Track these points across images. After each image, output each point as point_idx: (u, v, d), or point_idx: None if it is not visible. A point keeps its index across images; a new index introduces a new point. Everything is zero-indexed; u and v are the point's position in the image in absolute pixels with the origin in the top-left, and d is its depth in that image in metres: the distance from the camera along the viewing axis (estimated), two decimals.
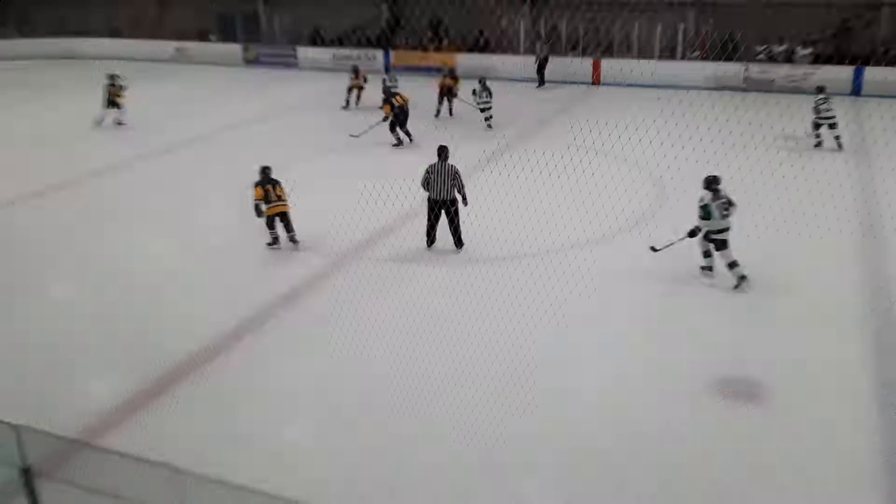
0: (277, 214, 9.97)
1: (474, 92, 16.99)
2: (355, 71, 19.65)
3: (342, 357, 7.42)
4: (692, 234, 8.87)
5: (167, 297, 8.77)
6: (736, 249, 9.34)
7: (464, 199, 9.80)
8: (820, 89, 14.91)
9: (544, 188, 12.02)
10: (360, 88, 19.43)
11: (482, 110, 16.90)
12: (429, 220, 9.82)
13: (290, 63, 26.62)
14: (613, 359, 7.22)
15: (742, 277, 8.68)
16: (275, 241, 10.12)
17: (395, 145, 15.52)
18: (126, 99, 17.56)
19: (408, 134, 15.65)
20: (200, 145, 15.91)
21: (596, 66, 22.60)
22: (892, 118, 16.33)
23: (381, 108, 15.80)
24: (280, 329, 8.06)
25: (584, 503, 5.44)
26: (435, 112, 18.16)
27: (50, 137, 15.85)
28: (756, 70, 21.08)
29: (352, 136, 15.94)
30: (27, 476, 4.58)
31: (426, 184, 9.67)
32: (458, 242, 9.94)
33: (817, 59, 21.02)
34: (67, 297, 9.22)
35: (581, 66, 22.82)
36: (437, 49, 25.09)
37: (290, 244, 10.12)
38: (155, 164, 14.23)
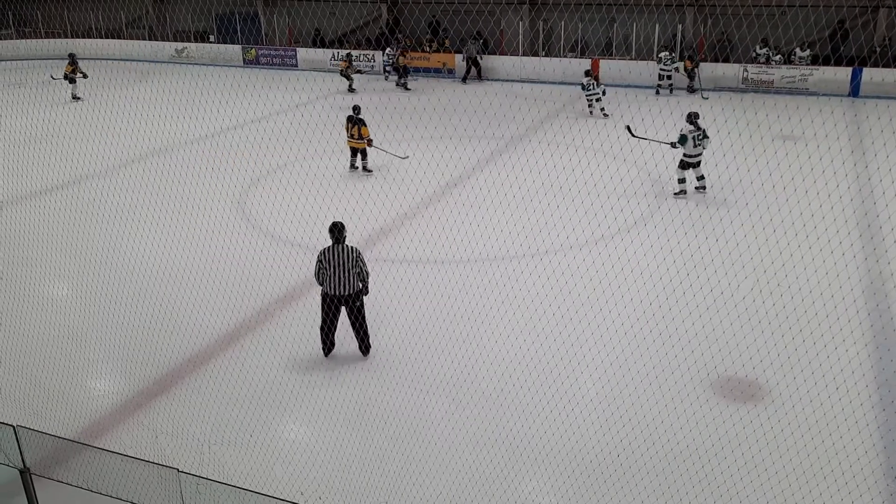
0: (351, 149, 13.19)
1: (582, 87, 18.30)
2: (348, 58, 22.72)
3: (341, 357, 7.43)
4: (673, 146, 11.58)
5: (165, 297, 8.77)
6: (734, 247, 9.38)
7: (365, 288, 7.40)
8: (663, 57, 20.83)
9: (543, 188, 12.05)
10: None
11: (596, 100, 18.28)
12: (324, 320, 7.44)
13: (290, 64, 26.68)
14: (613, 359, 7.22)
15: (703, 187, 11.72)
16: (351, 166, 13.41)
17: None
18: (79, 75, 20.45)
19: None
20: (200, 145, 15.90)
21: (594, 67, 22.61)
22: (889, 119, 16.34)
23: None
24: (278, 329, 8.06)
25: (584, 503, 5.44)
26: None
27: (48, 137, 15.81)
28: (754, 71, 21.11)
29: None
30: (25, 477, 4.58)
31: (319, 275, 7.33)
32: (365, 348, 7.56)
33: (815, 60, 21.04)
34: (66, 297, 9.22)
35: (580, 66, 22.82)
36: (437, 51, 25.12)
37: (363, 172, 13.40)
38: (153, 165, 14.22)
